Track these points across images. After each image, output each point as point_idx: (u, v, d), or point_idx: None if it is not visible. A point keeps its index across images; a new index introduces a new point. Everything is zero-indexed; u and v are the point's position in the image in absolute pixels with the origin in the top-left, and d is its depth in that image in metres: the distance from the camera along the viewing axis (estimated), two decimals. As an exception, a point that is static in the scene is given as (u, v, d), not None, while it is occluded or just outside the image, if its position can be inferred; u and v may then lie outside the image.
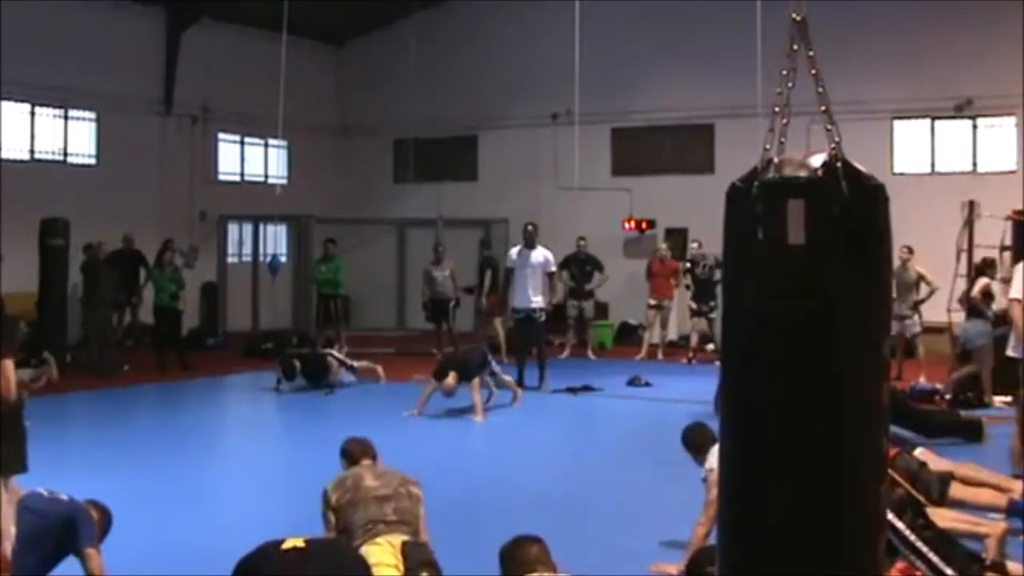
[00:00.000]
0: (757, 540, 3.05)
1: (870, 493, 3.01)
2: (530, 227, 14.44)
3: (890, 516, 5.08)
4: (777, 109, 2.96)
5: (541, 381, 13.91)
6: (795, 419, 2.96)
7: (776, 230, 2.88)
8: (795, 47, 3.00)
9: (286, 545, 4.38)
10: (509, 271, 14.39)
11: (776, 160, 2.96)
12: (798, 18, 3.00)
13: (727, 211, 3.02)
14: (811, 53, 2.99)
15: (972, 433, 10.18)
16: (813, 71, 2.98)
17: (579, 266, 18.07)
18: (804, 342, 2.93)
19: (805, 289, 2.92)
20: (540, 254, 14.27)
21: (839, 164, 2.90)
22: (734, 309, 3.07)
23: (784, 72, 2.97)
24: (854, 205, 2.88)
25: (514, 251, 14.46)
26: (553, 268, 14.56)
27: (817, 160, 2.94)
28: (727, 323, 3.11)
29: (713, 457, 5.77)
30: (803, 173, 2.93)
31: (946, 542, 5.58)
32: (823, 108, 2.97)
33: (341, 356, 14.55)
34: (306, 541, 4.45)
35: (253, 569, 4.35)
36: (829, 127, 2.95)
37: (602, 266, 18.23)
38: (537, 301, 14.02)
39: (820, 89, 2.99)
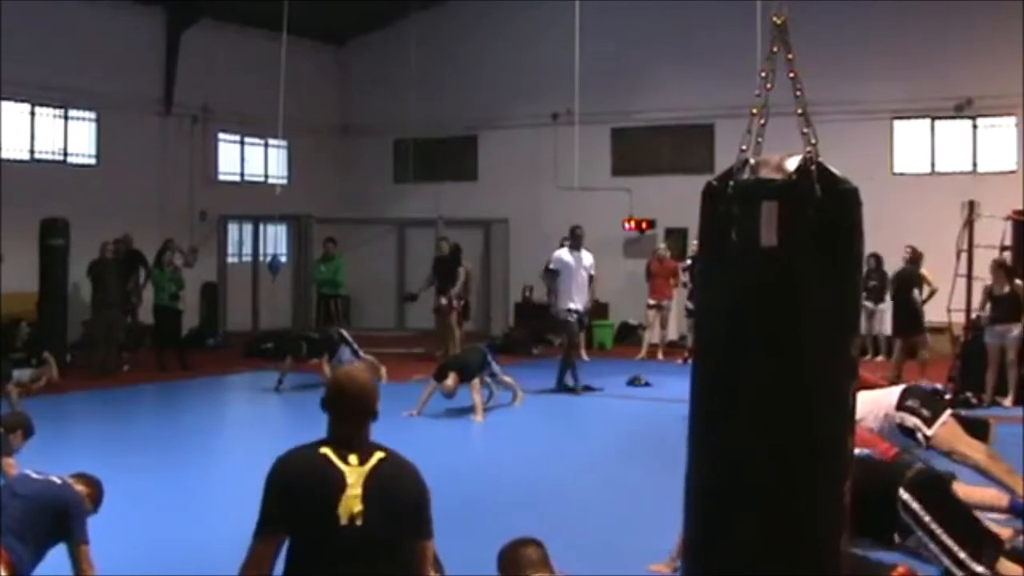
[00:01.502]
0: (726, 532, 3.06)
1: (837, 490, 3.03)
2: (578, 229, 14.39)
3: (905, 496, 5.02)
4: (755, 111, 2.97)
5: (562, 379, 13.95)
6: (765, 416, 2.98)
7: (750, 231, 2.90)
8: (775, 50, 3.01)
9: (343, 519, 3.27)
10: (555, 272, 14.17)
11: (753, 161, 2.97)
12: (778, 21, 3.02)
13: (702, 209, 3.03)
14: (790, 56, 3.00)
15: (979, 432, 10.16)
16: (791, 74, 2.99)
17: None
18: (775, 342, 2.94)
19: (776, 290, 2.93)
20: (589, 256, 14.29)
21: (813, 167, 2.91)
22: (706, 309, 3.09)
23: (763, 74, 2.99)
24: (827, 208, 2.89)
25: (564, 252, 14.24)
26: (594, 271, 14.51)
27: (792, 163, 2.95)
28: (698, 322, 3.11)
29: None
30: (778, 176, 2.94)
31: (965, 520, 5.30)
32: (800, 111, 2.99)
33: (348, 336, 14.49)
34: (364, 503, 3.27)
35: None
36: (805, 130, 2.96)
37: None
38: (586, 302, 14.19)
39: (798, 92, 3.00)
